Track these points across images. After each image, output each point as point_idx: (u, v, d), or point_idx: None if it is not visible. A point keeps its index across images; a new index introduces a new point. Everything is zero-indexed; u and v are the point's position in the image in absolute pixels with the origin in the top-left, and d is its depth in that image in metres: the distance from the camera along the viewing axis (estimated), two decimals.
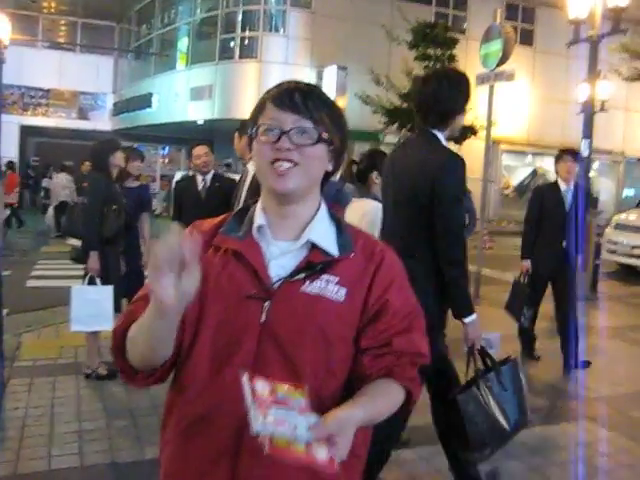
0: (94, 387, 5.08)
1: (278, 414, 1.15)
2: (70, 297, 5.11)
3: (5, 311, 5.90)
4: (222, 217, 1.54)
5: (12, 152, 24.74)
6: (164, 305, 1.16)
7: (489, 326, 7.40)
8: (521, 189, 25.34)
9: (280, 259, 1.42)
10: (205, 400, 1.25)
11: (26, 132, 28.33)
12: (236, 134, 4.97)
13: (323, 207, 1.50)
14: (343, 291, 1.39)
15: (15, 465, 3.72)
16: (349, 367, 1.42)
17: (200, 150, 5.66)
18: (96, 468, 3.75)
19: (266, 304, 1.37)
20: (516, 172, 25.62)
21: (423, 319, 1.52)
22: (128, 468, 3.76)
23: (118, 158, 5.26)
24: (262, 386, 1.18)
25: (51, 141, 28.26)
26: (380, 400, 1.38)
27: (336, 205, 1.52)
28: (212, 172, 5.76)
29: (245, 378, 1.17)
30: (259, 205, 1.49)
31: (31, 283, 10.15)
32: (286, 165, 1.37)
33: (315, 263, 1.40)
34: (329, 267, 1.40)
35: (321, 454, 1.14)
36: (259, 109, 1.45)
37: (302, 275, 1.39)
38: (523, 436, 4.19)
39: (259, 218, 1.46)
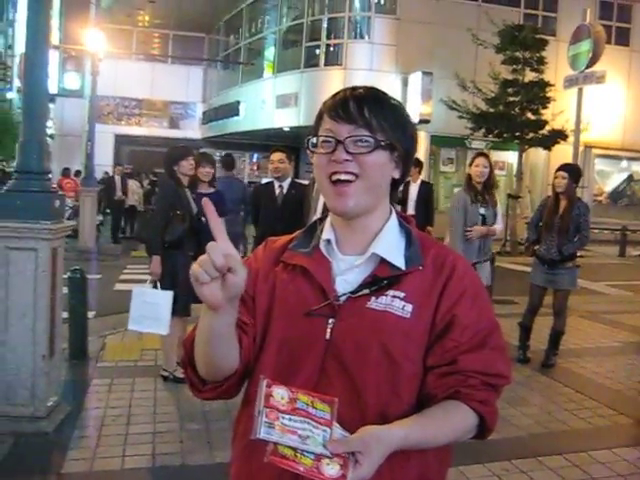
0: (170, 390, 5.19)
1: (290, 422, 1.11)
2: (131, 297, 5.23)
3: (92, 314, 6.12)
4: (295, 234, 1.52)
5: (107, 160, 25.81)
6: (212, 305, 1.15)
7: (574, 337, 7.18)
8: (615, 195, 24.30)
9: (347, 274, 1.38)
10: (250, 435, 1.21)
11: (120, 141, 29.54)
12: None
13: (393, 217, 1.45)
14: (409, 307, 1.33)
15: (91, 463, 3.84)
16: (417, 389, 1.34)
17: (275, 157, 5.73)
18: (166, 470, 3.82)
19: (331, 321, 1.34)
20: (610, 178, 24.58)
21: (501, 337, 1.40)
22: (197, 471, 3.81)
23: (183, 166, 5.33)
24: (281, 394, 1.14)
25: (144, 149, 29.35)
26: (435, 423, 1.28)
27: (409, 216, 1.46)
28: (289, 179, 5.79)
29: (263, 383, 1.15)
30: (328, 219, 1.46)
31: (119, 287, 10.50)
32: (344, 177, 1.33)
33: (381, 278, 1.34)
34: (395, 282, 1.34)
35: (331, 470, 1.08)
36: (318, 121, 1.42)
37: (367, 290, 1.34)
38: (604, 457, 4.05)
39: (327, 233, 1.43)
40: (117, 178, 17.14)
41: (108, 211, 17.65)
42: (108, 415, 4.59)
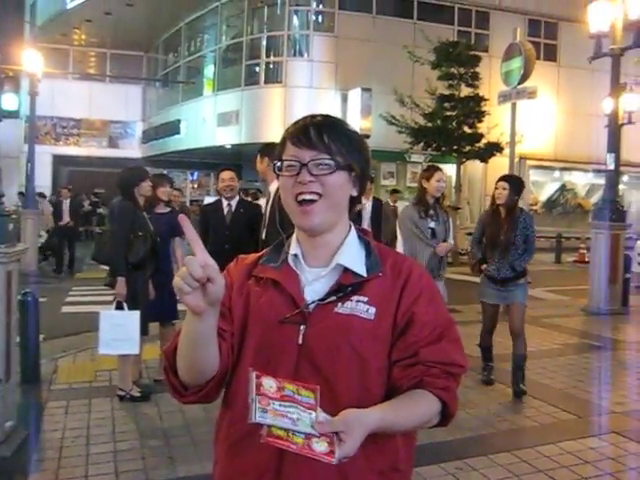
0: (128, 408, 5.21)
1: (280, 407, 1.24)
2: (99, 321, 5.24)
3: (42, 337, 6.08)
4: (264, 251, 1.64)
5: (46, 181, 25.32)
6: (195, 311, 1.27)
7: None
8: (550, 204, 25.17)
9: (314, 284, 1.51)
10: (246, 420, 1.26)
11: (58, 161, 29.01)
12: (258, 156, 5.10)
13: (352, 231, 1.58)
14: (373, 310, 1.45)
15: None
16: (384, 383, 1.46)
17: (225, 175, 5.82)
18: None
19: (302, 327, 1.46)
20: (544, 187, 25.46)
21: (456, 331, 1.54)
22: None
23: (143, 188, 5.40)
24: (269, 383, 1.26)
25: (83, 169, 28.88)
26: (405, 408, 1.41)
27: (366, 229, 1.60)
28: (237, 198, 5.89)
29: (253, 374, 1.26)
30: (294, 236, 1.58)
31: (66, 309, 10.37)
32: (309, 197, 1.46)
33: (345, 285, 1.47)
34: (359, 288, 1.48)
35: (320, 447, 1.21)
36: (281, 147, 1.54)
37: (334, 297, 1.47)
38: (549, 451, 4.30)
39: (294, 248, 1.55)
40: (65, 202, 15.28)
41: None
42: (67, 437, 4.58)
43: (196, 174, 30.50)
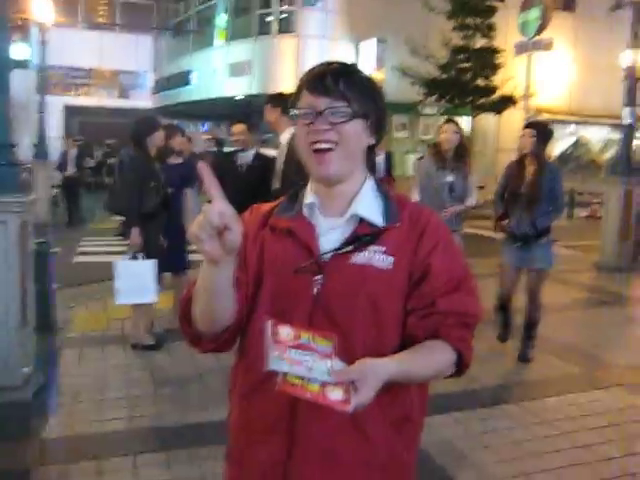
0: (141, 356, 5.31)
1: (296, 355, 1.24)
2: (114, 271, 5.30)
3: (55, 286, 6.16)
4: (279, 200, 1.61)
5: (57, 131, 25.28)
6: (213, 259, 1.26)
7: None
8: (563, 159, 24.92)
9: (330, 234, 1.49)
10: (262, 366, 1.26)
11: (70, 112, 28.94)
12: (268, 106, 5.06)
13: (369, 181, 1.55)
14: (390, 259, 1.44)
15: (71, 427, 3.97)
16: (400, 333, 1.45)
17: (236, 129, 5.80)
18: (144, 431, 3.97)
19: (317, 277, 1.45)
20: (558, 142, 25.16)
21: (472, 281, 1.53)
22: (174, 431, 3.96)
23: (157, 138, 5.39)
24: (286, 331, 1.26)
25: (94, 120, 28.80)
26: (421, 358, 1.41)
27: (387, 177, 1.61)
28: (254, 149, 5.87)
29: (269, 322, 1.27)
30: (309, 185, 1.56)
31: (78, 259, 10.48)
32: (324, 146, 1.44)
33: (361, 235, 1.46)
34: (376, 238, 1.46)
35: (336, 395, 1.22)
36: (297, 95, 1.51)
37: (350, 247, 1.45)
38: (554, 403, 4.37)
39: (309, 197, 1.54)
40: (72, 152, 15.07)
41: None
42: (82, 383, 4.70)
43: (207, 125, 30.34)
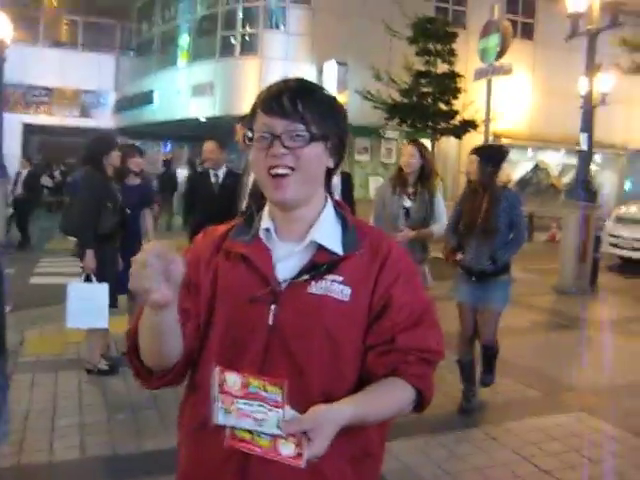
0: (95, 382, 5.16)
1: (244, 407, 1.17)
2: (66, 294, 5.15)
3: (8, 308, 5.97)
4: (233, 222, 1.55)
5: (15, 149, 24.82)
6: (164, 305, 1.21)
7: None
8: (523, 183, 25.33)
9: (286, 261, 1.42)
10: (210, 406, 1.22)
11: (29, 130, 28.45)
12: (238, 125, 5.01)
13: (329, 205, 1.49)
14: (348, 290, 1.38)
15: (18, 457, 3.81)
16: (358, 368, 1.40)
17: (207, 146, 5.75)
18: (97, 460, 3.83)
19: (273, 307, 1.38)
20: (518, 166, 25.59)
21: (434, 315, 1.48)
22: (128, 460, 3.84)
23: (113, 158, 5.29)
24: (234, 379, 1.19)
25: (54, 139, 28.39)
26: (378, 399, 1.36)
27: (344, 202, 1.52)
28: (224, 168, 5.80)
29: (216, 370, 1.19)
30: (266, 208, 1.49)
31: (35, 280, 10.23)
32: (282, 171, 1.37)
33: (319, 263, 1.39)
34: (334, 267, 1.39)
35: (287, 449, 1.15)
36: (252, 115, 1.44)
37: (307, 276, 1.39)
38: (516, 428, 4.36)
39: (265, 221, 1.47)
40: (22, 173, 14.98)
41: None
42: (32, 409, 4.54)
43: (169, 146, 30.13)
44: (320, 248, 1.41)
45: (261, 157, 1.40)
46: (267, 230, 1.46)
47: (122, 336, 5.95)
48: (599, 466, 3.93)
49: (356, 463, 1.41)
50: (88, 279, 5.17)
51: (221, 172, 5.75)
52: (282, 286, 1.39)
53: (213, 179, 5.72)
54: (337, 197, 1.56)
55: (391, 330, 1.39)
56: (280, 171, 1.37)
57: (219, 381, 1.18)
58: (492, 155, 4.90)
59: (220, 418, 1.17)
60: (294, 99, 1.38)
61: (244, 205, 4.75)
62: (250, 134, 1.43)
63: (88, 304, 5.07)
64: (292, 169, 1.38)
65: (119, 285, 5.35)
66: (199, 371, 1.44)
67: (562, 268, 10.28)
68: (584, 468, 3.87)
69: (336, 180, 8.13)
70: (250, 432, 1.16)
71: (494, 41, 9.63)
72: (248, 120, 1.46)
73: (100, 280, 5.15)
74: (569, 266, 10.05)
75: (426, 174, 5.10)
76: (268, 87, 1.44)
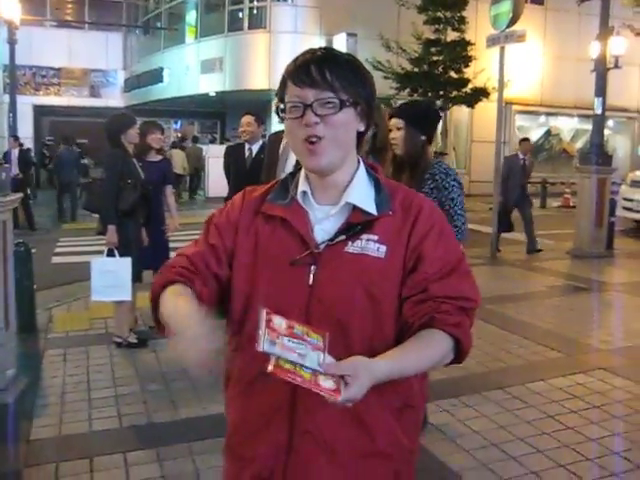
0: (126, 355, 5.29)
1: (289, 342, 1.24)
2: (90, 269, 5.28)
3: (34, 287, 6.10)
4: (270, 184, 1.60)
5: (27, 132, 24.94)
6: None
7: (505, 284, 7.65)
8: (535, 150, 25.17)
9: (323, 223, 1.48)
10: (261, 360, 1.25)
11: (39, 111, 28.53)
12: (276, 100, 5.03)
13: (361, 168, 1.54)
14: (383, 248, 1.43)
15: (58, 428, 3.94)
16: (396, 322, 1.45)
17: (243, 120, 5.78)
18: (135, 429, 3.95)
19: (312, 268, 1.44)
20: (530, 133, 25.42)
21: (467, 266, 1.51)
22: (165, 428, 3.96)
23: (131, 135, 5.36)
24: (280, 321, 1.26)
25: (64, 119, 28.43)
26: (415, 352, 1.39)
27: (375, 164, 1.57)
28: (260, 142, 5.83)
29: (263, 311, 1.27)
30: (302, 172, 1.54)
31: (56, 260, 10.38)
32: (315, 139, 1.42)
33: (354, 224, 1.45)
34: (368, 227, 1.45)
35: (327, 384, 1.22)
36: (282, 87, 1.48)
37: (343, 237, 1.44)
38: (539, 388, 4.46)
39: (302, 185, 1.52)
40: (14, 152, 14.44)
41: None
42: (67, 383, 4.66)
43: (180, 122, 30.15)
44: (355, 209, 1.47)
45: (295, 127, 1.45)
46: (304, 193, 1.52)
47: (148, 310, 6.13)
48: (622, 421, 4.03)
49: (398, 414, 1.48)
50: (111, 254, 5.28)
51: (256, 146, 5.79)
52: (320, 247, 1.45)
53: (247, 153, 5.76)
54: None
55: (425, 281, 1.44)
56: (314, 139, 1.42)
57: (266, 319, 1.25)
58: (423, 117, 3.66)
59: (265, 346, 1.22)
60: (322, 68, 1.42)
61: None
62: (282, 105, 1.49)
63: (111, 277, 5.18)
64: (325, 135, 1.43)
65: (143, 260, 5.46)
66: (245, 331, 1.50)
67: (578, 232, 10.30)
68: (607, 424, 3.97)
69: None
70: (293, 363, 1.22)
71: (506, 7, 9.51)
72: (279, 92, 1.51)
73: (123, 255, 5.26)
74: (585, 230, 10.08)
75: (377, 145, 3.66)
76: (295, 58, 1.49)
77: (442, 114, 18.44)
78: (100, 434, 3.89)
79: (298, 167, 1.58)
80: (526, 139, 11.39)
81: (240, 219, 1.55)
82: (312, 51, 1.49)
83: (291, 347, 1.23)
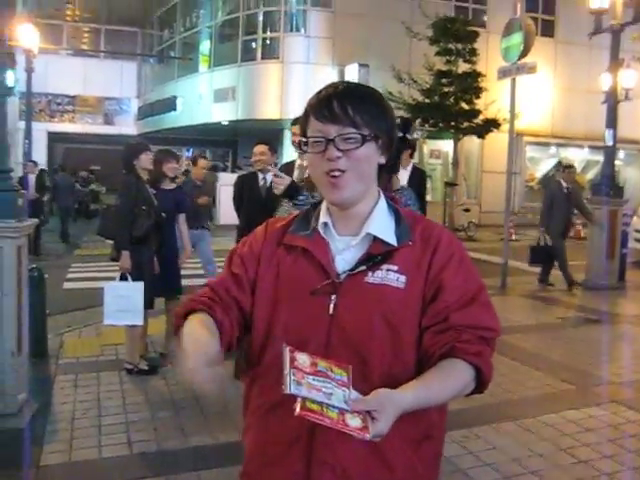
0: (136, 382, 5.28)
1: (314, 381, 1.25)
2: (103, 294, 5.31)
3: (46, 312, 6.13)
4: (292, 216, 1.64)
5: (41, 158, 25.22)
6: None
7: (516, 315, 7.62)
8: (546, 181, 25.19)
9: (344, 253, 1.51)
10: (280, 389, 1.25)
11: (54, 138, 28.93)
12: (293, 128, 5.06)
13: (382, 199, 1.57)
14: (403, 278, 1.45)
15: (68, 454, 3.93)
16: (417, 352, 1.45)
17: (256, 149, 5.79)
18: (145, 456, 3.94)
19: (333, 297, 1.46)
20: (540, 164, 25.48)
21: (487, 295, 1.52)
22: (174, 455, 3.94)
23: (143, 161, 5.42)
24: (303, 359, 1.27)
25: (78, 146, 28.78)
26: (438, 382, 1.39)
27: (395, 196, 1.60)
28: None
29: (286, 349, 1.28)
30: (323, 204, 1.57)
31: (67, 285, 10.41)
32: (337, 173, 1.44)
33: (375, 254, 1.47)
34: (389, 257, 1.47)
35: (355, 422, 1.22)
36: (305, 121, 1.52)
37: (363, 267, 1.46)
38: (552, 420, 4.42)
39: (323, 216, 1.55)
40: (31, 177, 14.70)
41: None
42: (78, 409, 4.66)
43: (191, 150, 30.42)
44: (375, 240, 1.49)
45: (317, 160, 1.48)
46: (325, 225, 1.54)
47: (159, 337, 6.11)
48: (636, 455, 3.98)
49: (417, 445, 1.48)
50: (124, 278, 5.32)
51: (268, 176, 5.81)
52: (341, 277, 1.47)
53: (261, 182, 5.76)
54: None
55: (445, 311, 1.44)
56: (336, 173, 1.45)
57: (290, 358, 1.27)
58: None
59: (292, 388, 1.23)
60: (344, 103, 1.45)
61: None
62: (305, 139, 1.52)
63: (124, 302, 5.22)
64: (347, 169, 1.46)
65: (155, 287, 5.49)
66: (264, 361, 1.52)
67: (590, 264, 10.26)
68: (621, 457, 3.92)
69: (404, 174, 7.44)
70: (319, 404, 1.23)
71: (517, 39, 9.60)
72: (301, 126, 1.55)
73: (137, 280, 5.29)
74: (597, 262, 10.04)
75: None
76: (317, 93, 1.52)
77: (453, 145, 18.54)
78: (110, 461, 3.88)
79: (319, 200, 1.62)
80: (570, 166, 10.63)
81: (263, 250, 1.58)
82: (334, 85, 1.52)
83: (317, 386, 1.24)
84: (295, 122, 5.03)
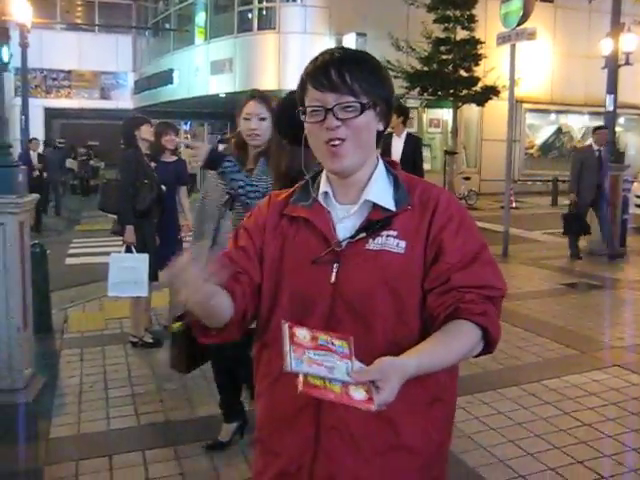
0: (141, 354, 5.33)
1: (315, 356, 1.24)
2: (108, 265, 5.32)
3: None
4: (294, 188, 1.63)
5: (38, 134, 25.08)
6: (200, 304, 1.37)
7: (518, 282, 7.64)
8: (546, 148, 25.11)
9: (345, 222, 1.51)
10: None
11: (50, 114, 28.71)
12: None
13: (380, 165, 1.56)
14: (403, 243, 1.45)
15: (77, 426, 3.98)
16: (420, 315, 1.45)
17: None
18: (153, 427, 3.99)
19: (335, 265, 1.47)
20: (540, 131, 25.36)
21: (489, 253, 1.50)
22: (183, 425, 4.00)
23: (144, 132, 5.41)
24: (303, 334, 1.27)
25: (75, 122, 28.62)
26: (442, 345, 1.38)
27: (394, 161, 1.59)
28: None
29: (285, 325, 1.28)
30: (323, 174, 1.57)
31: (69, 261, 10.44)
32: (337, 142, 1.44)
33: (374, 221, 1.47)
34: (388, 223, 1.47)
35: (359, 394, 1.21)
36: (302, 89, 1.50)
37: (364, 234, 1.47)
38: (555, 385, 4.46)
39: (323, 186, 1.55)
40: (33, 154, 14.95)
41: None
42: (85, 382, 4.71)
43: (190, 124, 30.25)
44: (374, 206, 1.49)
45: (316, 130, 1.47)
46: (325, 194, 1.55)
47: (163, 310, 6.13)
48: (638, 417, 4.02)
49: (427, 408, 1.48)
50: (129, 251, 5.33)
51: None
52: (342, 245, 1.48)
53: None
54: (396, 158, 1.62)
55: (447, 272, 1.43)
56: (336, 142, 1.44)
57: (289, 334, 1.26)
58: (281, 107, 2.85)
59: (293, 365, 1.22)
60: (341, 71, 1.43)
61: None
62: (302, 108, 1.50)
63: (128, 273, 5.22)
64: (346, 138, 1.45)
65: (159, 260, 5.50)
66: (271, 330, 1.53)
67: (592, 230, 10.24)
68: (624, 420, 3.97)
69: (398, 144, 7.23)
70: (322, 379, 1.22)
71: (516, 5, 9.48)
72: (299, 96, 1.52)
73: (141, 252, 5.31)
74: (598, 228, 10.03)
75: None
76: (313, 60, 1.49)
77: (452, 113, 18.42)
78: (118, 432, 3.93)
79: (319, 169, 1.61)
80: (601, 127, 10.10)
81: (267, 221, 1.59)
82: (330, 52, 1.50)
83: (318, 360, 1.23)
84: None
